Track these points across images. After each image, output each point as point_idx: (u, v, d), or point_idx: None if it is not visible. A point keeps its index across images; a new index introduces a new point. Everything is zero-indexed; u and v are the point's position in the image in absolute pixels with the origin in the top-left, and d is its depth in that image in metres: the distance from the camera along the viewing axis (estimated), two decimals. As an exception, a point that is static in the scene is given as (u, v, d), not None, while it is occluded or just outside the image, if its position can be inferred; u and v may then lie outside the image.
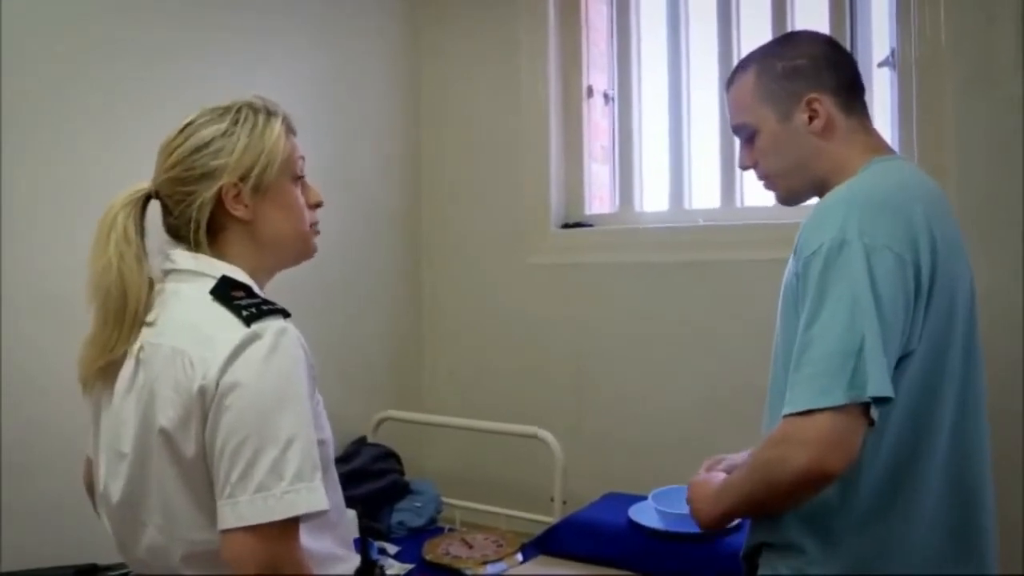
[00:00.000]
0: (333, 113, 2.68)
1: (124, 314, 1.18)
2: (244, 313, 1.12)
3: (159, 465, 1.13)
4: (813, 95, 1.33)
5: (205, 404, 1.09)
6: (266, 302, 1.17)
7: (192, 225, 1.21)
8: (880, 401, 1.10)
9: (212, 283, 1.18)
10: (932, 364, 1.22)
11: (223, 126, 1.22)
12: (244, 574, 1.05)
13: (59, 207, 1.96)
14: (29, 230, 1.92)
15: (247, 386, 1.08)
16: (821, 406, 1.09)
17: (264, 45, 2.46)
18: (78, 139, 1.99)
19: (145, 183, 1.25)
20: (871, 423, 1.11)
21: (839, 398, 1.09)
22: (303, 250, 1.33)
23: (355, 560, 1.29)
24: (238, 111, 1.24)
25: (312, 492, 1.08)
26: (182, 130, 1.23)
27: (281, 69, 2.51)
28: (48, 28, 1.96)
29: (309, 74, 2.61)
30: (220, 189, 1.20)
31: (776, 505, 1.22)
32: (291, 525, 1.07)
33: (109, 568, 1.83)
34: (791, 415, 1.12)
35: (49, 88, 1.96)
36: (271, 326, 1.12)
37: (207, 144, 1.21)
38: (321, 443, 1.17)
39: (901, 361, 1.17)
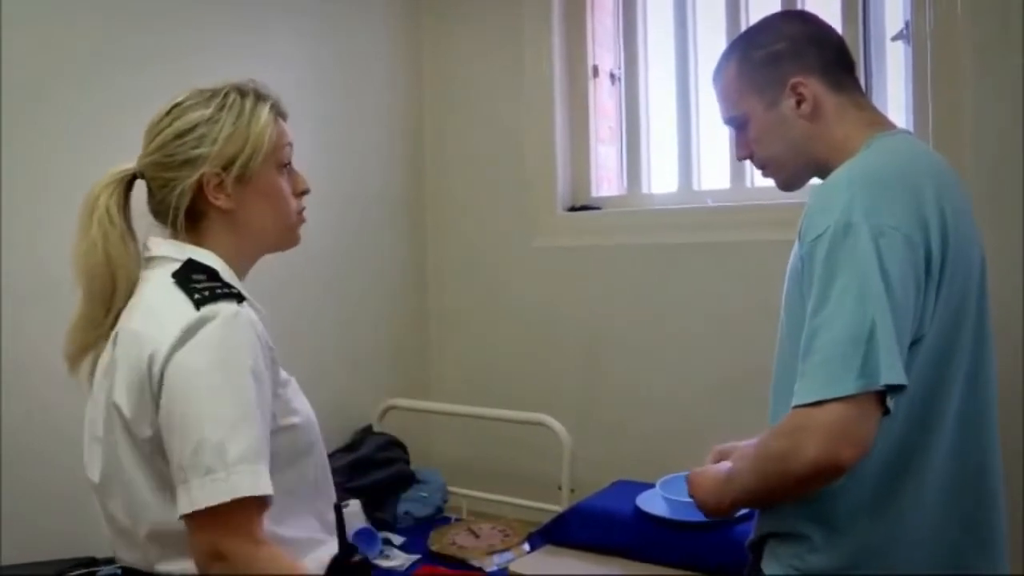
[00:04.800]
0: (335, 99, 2.65)
1: (113, 295, 1.18)
2: (196, 296, 1.11)
3: (121, 448, 1.13)
4: (797, 79, 1.29)
5: (153, 385, 1.09)
6: (224, 285, 1.15)
7: (171, 212, 1.19)
8: (894, 389, 1.06)
9: (173, 265, 1.17)
10: (943, 348, 1.18)
11: (208, 112, 1.19)
12: (198, 558, 1.06)
13: (58, 199, 1.93)
14: (28, 223, 1.91)
15: (192, 370, 1.07)
16: (832, 396, 1.05)
17: (265, 26, 2.43)
18: (77, 133, 1.98)
19: (130, 163, 1.23)
20: (886, 412, 1.07)
21: (850, 387, 1.04)
22: (286, 240, 1.30)
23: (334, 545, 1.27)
24: (225, 95, 1.21)
25: (256, 476, 1.05)
26: (168, 112, 1.21)
27: (283, 52, 2.48)
28: (49, 23, 1.95)
29: (312, 59, 2.58)
30: (201, 177, 1.18)
31: (784, 496, 1.19)
32: (236, 508, 1.03)
33: (106, 561, 1.82)
34: (801, 406, 1.08)
35: (49, 82, 1.95)
36: (222, 309, 1.10)
37: (191, 130, 1.19)
38: (293, 427, 1.17)
39: (911, 346, 1.13)
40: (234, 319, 1.10)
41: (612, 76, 2.74)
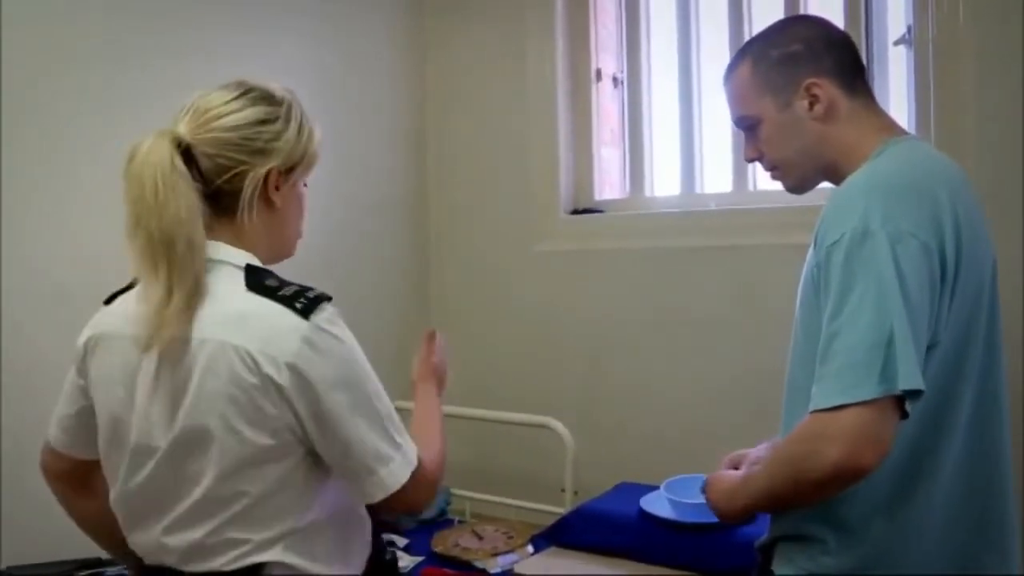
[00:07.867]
0: (338, 101, 2.65)
1: (195, 263, 1.11)
2: (296, 304, 1.12)
3: (202, 462, 1.12)
4: (812, 80, 1.29)
5: (273, 398, 1.10)
6: (308, 288, 1.17)
7: (243, 198, 1.17)
8: (912, 394, 1.06)
9: (234, 271, 1.16)
10: (956, 352, 1.18)
11: (281, 111, 1.21)
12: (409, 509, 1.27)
13: (57, 199, 1.95)
14: (28, 223, 1.90)
15: (338, 377, 1.12)
16: (852, 400, 1.05)
17: (267, 27, 2.43)
18: (77, 133, 1.98)
19: (173, 129, 1.14)
20: (903, 416, 1.08)
21: (870, 392, 1.05)
22: (289, 250, 1.32)
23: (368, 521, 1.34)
24: (289, 104, 1.23)
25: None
26: (242, 95, 1.19)
27: (285, 53, 2.48)
28: (49, 22, 1.95)
29: (314, 62, 2.58)
30: (270, 170, 1.18)
31: (802, 501, 1.20)
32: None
33: (112, 562, 1.82)
34: (820, 410, 1.08)
35: (48, 82, 1.95)
36: (328, 315, 1.14)
37: (271, 121, 1.19)
38: None
39: (926, 351, 1.13)
40: (339, 319, 1.16)
41: (615, 80, 2.75)
